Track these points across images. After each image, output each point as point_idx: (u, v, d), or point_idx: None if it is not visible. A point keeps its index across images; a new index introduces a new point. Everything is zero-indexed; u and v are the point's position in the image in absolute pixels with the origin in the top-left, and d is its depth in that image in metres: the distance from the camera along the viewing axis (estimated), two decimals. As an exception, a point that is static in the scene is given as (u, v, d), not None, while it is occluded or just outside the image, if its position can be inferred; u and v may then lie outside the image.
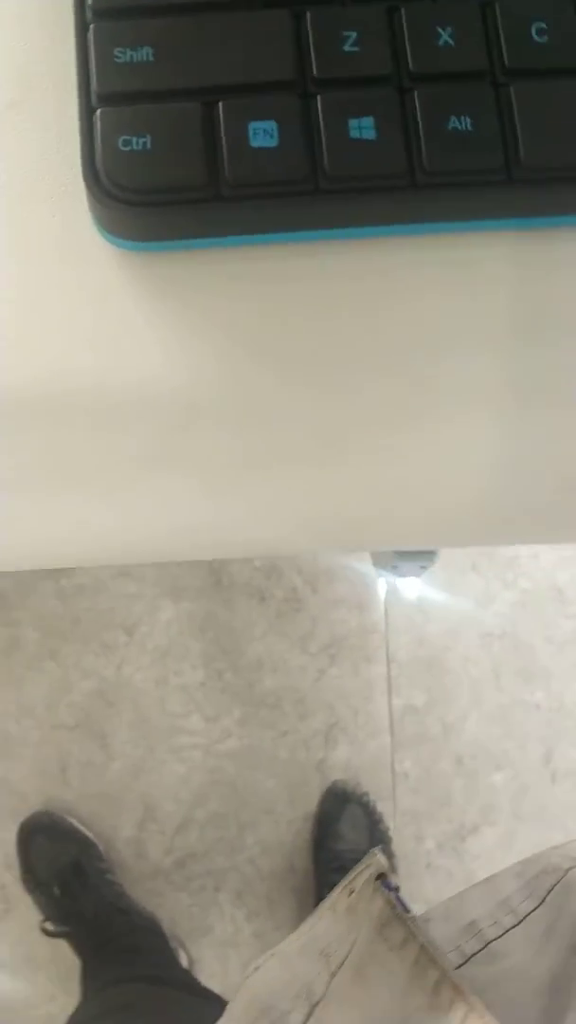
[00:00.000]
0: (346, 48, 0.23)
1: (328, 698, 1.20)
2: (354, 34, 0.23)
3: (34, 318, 0.24)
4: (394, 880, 0.33)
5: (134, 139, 0.23)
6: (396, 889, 0.33)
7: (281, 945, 0.37)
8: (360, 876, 0.35)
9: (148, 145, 0.23)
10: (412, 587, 1.22)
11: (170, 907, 1.15)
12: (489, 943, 0.36)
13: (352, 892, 0.35)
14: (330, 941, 0.34)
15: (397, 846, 1.15)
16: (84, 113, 0.23)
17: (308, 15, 0.24)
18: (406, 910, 0.32)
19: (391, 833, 1.15)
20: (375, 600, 1.22)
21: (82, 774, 1.17)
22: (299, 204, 0.23)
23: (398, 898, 0.32)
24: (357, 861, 1.08)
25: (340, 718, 1.19)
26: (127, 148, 0.23)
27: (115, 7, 0.23)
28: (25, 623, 1.19)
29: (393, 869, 0.36)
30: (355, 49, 0.23)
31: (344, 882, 0.36)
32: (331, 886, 1.08)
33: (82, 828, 1.15)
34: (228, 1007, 0.35)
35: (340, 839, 1.12)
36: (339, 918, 0.35)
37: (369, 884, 0.34)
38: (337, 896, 0.36)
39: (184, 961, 1.11)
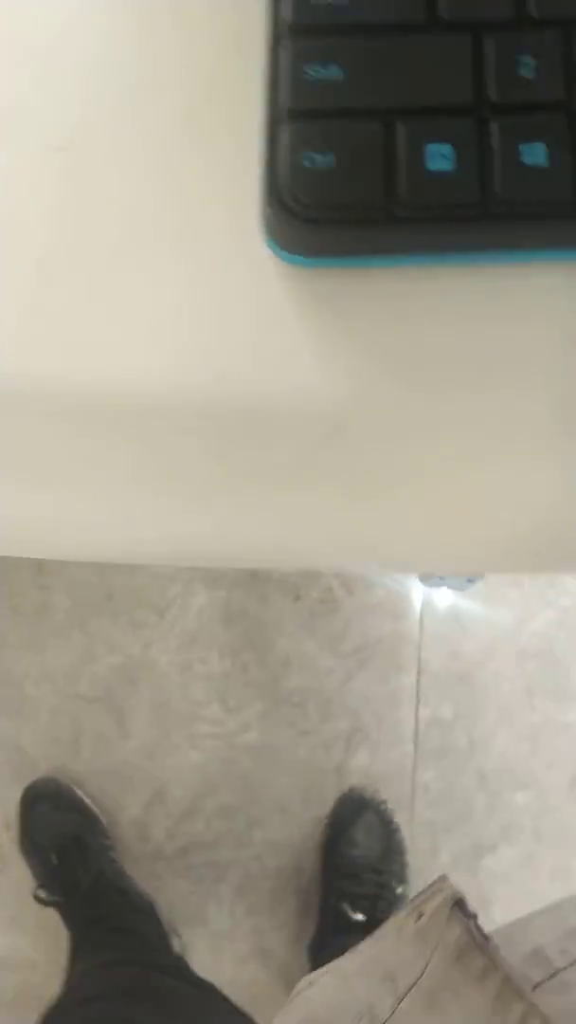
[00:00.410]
0: (522, 73, 0.24)
1: (353, 703, 1.17)
2: (530, 59, 0.24)
3: (198, 323, 0.25)
4: (471, 907, 0.31)
5: (318, 156, 0.23)
6: (474, 917, 0.31)
7: (337, 962, 0.35)
8: (431, 900, 0.33)
9: (331, 163, 0.23)
10: (450, 599, 1.20)
11: (168, 892, 1.13)
12: (558, 972, 0.34)
13: (421, 916, 0.33)
14: (396, 964, 0.32)
15: (412, 858, 1.13)
16: (269, 127, 0.24)
17: (488, 39, 0.24)
18: (486, 939, 0.30)
19: (407, 844, 1.13)
20: (411, 609, 1.20)
21: (95, 747, 1.16)
22: (470, 228, 0.23)
23: (477, 926, 0.30)
24: (370, 868, 1.07)
25: (364, 724, 1.17)
26: (310, 164, 0.23)
27: (310, 24, 0.24)
28: (58, 590, 1.18)
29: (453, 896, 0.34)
30: (531, 75, 0.24)
31: (412, 905, 0.34)
32: (339, 892, 1.07)
33: (88, 801, 1.14)
34: (278, 1019, 0.33)
35: (354, 845, 1.10)
36: (406, 941, 0.33)
37: (444, 910, 0.32)
38: (404, 918, 0.34)
39: (176, 947, 1.09)
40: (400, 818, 1.14)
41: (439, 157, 0.23)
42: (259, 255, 0.25)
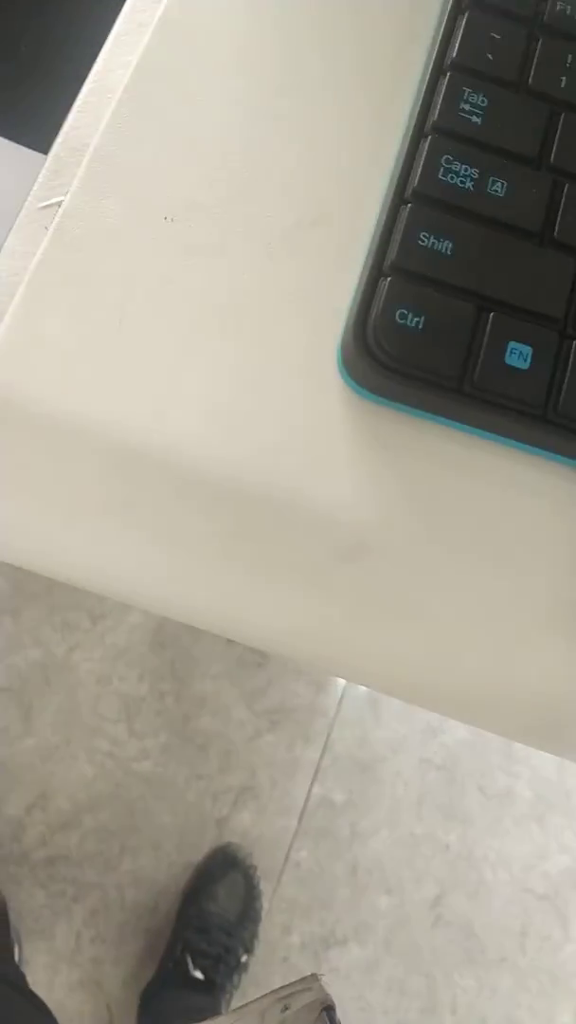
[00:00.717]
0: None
1: (254, 761, 1.18)
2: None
3: (257, 418, 0.26)
4: (338, 1018, 0.32)
5: (410, 315, 0.25)
6: (338, 1028, 0.32)
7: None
8: (299, 996, 0.34)
9: (420, 325, 0.25)
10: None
11: (23, 899, 1.11)
12: None
13: (287, 1008, 0.34)
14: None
15: (263, 929, 1.13)
16: (371, 273, 0.25)
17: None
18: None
19: (263, 914, 1.13)
20: (335, 685, 1.21)
21: (-8, 736, 1.15)
22: (527, 424, 0.25)
23: (341, 1041, 0.31)
24: (222, 928, 1.06)
25: (257, 784, 1.18)
26: (402, 321, 0.25)
27: (435, 197, 0.26)
28: (0, 572, 1.17)
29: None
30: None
31: (279, 994, 0.35)
32: (186, 943, 1.06)
33: (-32, 787, 1.12)
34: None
35: (213, 900, 1.09)
36: (266, 1032, 0.34)
37: (311, 1011, 0.33)
38: (269, 1005, 0.35)
39: (16, 957, 1.07)
40: (264, 887, 1.14)
41: (517, 355, 0.25)
42: (329, 375, 0.26)
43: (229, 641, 1.20)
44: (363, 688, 1.21)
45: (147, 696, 1.18)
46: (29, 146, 0.44)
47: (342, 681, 1.21)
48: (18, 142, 0.47)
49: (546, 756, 1.24)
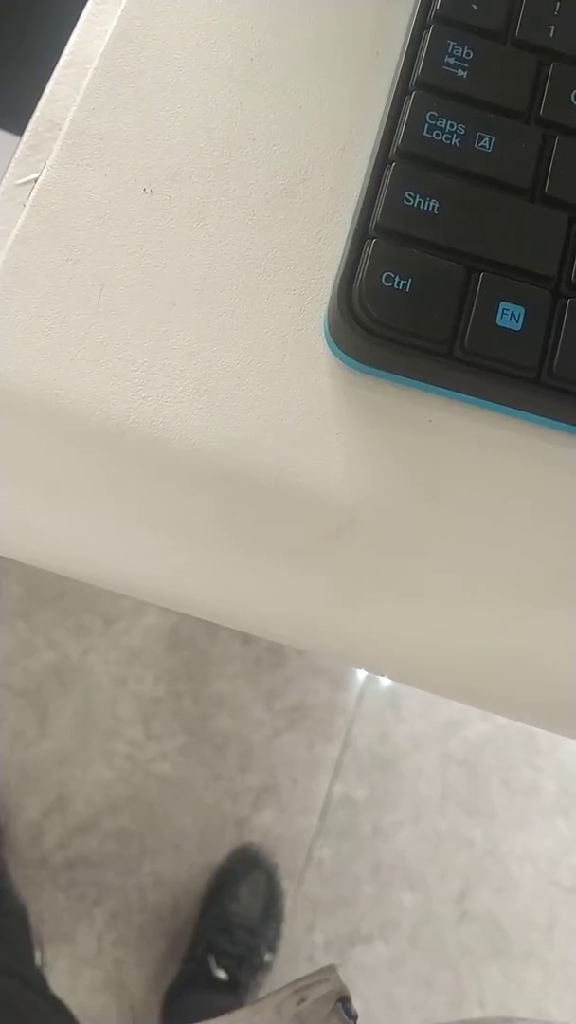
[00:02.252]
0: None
1: (273, 760, 1.17)
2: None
3: (243, 392, 0.25)
4: (354, 1008, 0.31)
5: (397, 278, 0.24)
6: (355, 1018, 0.31)
7: (213, 1023, 0.34)
8: (316, 987, 0.33)
9: (408, 288, 0.24)
10: (394, 684, 1.20)
11: (44, 902, 1.11)
12: None
13: (303, 1000, 0.33)
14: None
15: (286, 928, 1.12)
16: (356, 236, 0.24)
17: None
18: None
19: (286, 913, 1.12)
20: (353, 682, 1.20)
21: (10, 741, 1.15)
22: (520, 388, 0.24)
23: (357, 1031, 0.30)
24: (245, 928, 1.06)
25: (277, 784, 1.17)
26: (388, 284, 0.24)
27: (419, 155, 0.25)
28: (13, 575, 1.17)
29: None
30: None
31: (295, 986, 0.34)
32: (209, 943, 1.05)
33: (-12, 792, 1.12)
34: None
35: (236, 900, 1.09)
36: (283, 1022, 0.33)
37: (328, 1002, 0.32)
38: (286, 998, 0.34)
39: (37, 960, 1.07)
40: (287, 887, 1.13)
41: (509, 315, 0.24)
42: (316, 345, 0.26)
43: (245, 640, 1.19)
44: (383, 684, 1.20)
45: (163, 697, 1.17)
46: (15, 132, 0.43)
47: (361, 678, 1.20)
48: (3, 128, 0.46)
49: (570, 749, 1.22)
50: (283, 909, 1.12)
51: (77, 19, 0.30)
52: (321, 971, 0.36)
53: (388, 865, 1.16)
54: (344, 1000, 0.33)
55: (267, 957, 1.10)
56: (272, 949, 1.10)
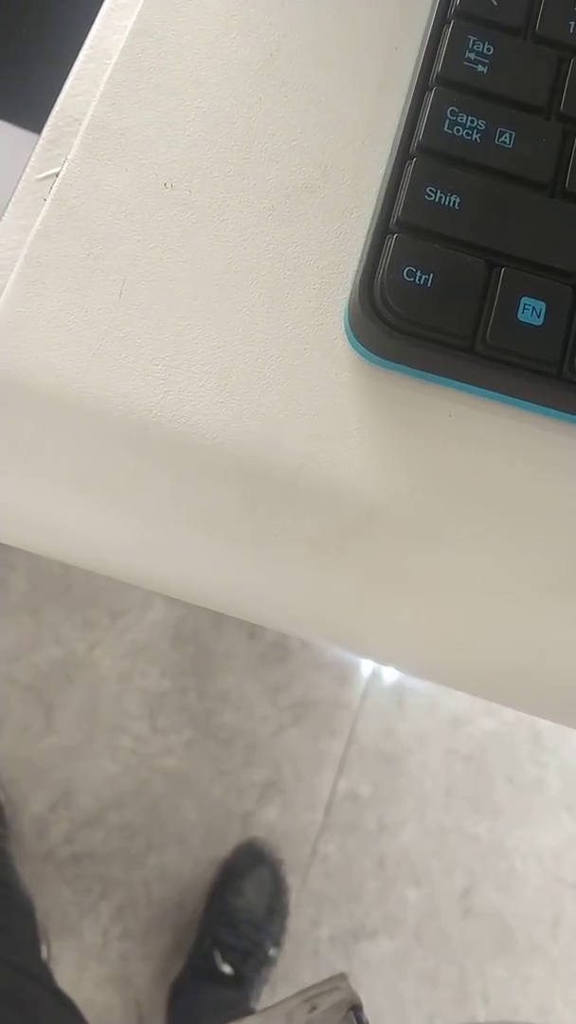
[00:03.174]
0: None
1: (278, 756, 1.17)
2: None
3: (264, 386, 0.25)
4: (365, 1017, 0.31)
5: (418, 272, 0.24)
6: (366, 1025, 0.31)
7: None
8: (327, 996, 0.33)
9: (429, 283, 0.24)
10: (398, 678, 1.20)
11: (50, 896, 1.11)
12: None
13: (314, 1008, 0.33)
14: (278, 1047, 0.32)
15: (292, 923, 1.12)
16: (378, 231, 0.24)
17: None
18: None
19: (291, 908, 1.12)
20: (358, 677, 1.20)
21: (16, 735, 1.15)
22: (542, 383, 0.24)
23: (368, 1036, 0.30)
24: (250, 923, 1.06)
25: (282, 779, 1.17)
26: (409, 279, 0.24)
27: (441, 151, 0.25)
28: (20, 569, 1.17)
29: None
30: None
31: (306, 994, 0.34)
32: (214, 938, 1.05)
33: (-5, 786, 1.12)
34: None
35: (241, 895, 1.09)
36: (294, 1029, 0.33)
37: (339, 1011, 0.32)
38: (296, 1006, 0.34)
39: (43, 954, 1.07)
40: (292, 882, 1.14)
41: (531, 311, 0.24)
42: (336, 340, 0.26)
43: (251, 635, 1.19)
44: (387, 680, 1.21)
45: (169, 692, 1.17)
46: (33, 130, 0.43)
47: (366, 673, 1.20)
48: (22, 126, 0.46)
49: (575, 745, 1.22)
50: (288, 904, 1.12)
51: (94, 17, 0.30)
52: (332, 979, 0.36)
53: (393, 861, 1.16)
54: (356, 1008, 0.33)
55: (272, 952, 1.10)
56: (277, 944, 1.11)
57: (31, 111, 0.45)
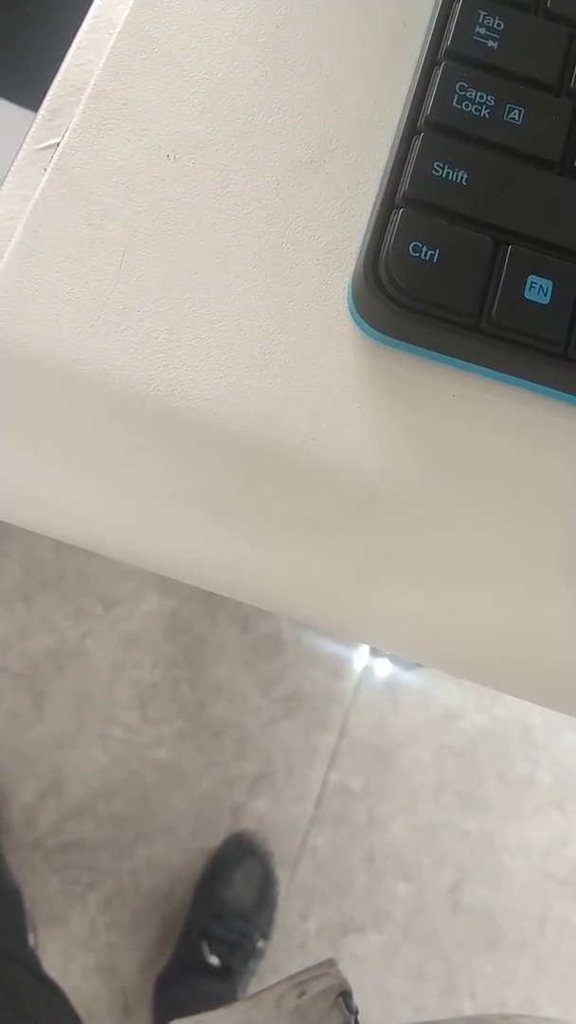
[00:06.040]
0: None
1: (269, 748, 1.17)
2: None
3: (265, 362, 0.25)
4: (355, 1003, 0.31)
5: (424, 248, 0.23)
6: (356, 1012, 0.31)
7: (208, 1016, 0.34)
8: (316, 981, 0.33)
9: (435, 258, 0.23)
10: (391, 672, 1.20)
11: (37, 885, 1.11)
12: None
13: (304, 994, 0.33)
14: (267, 1034, 0.32)
15: (280, 916, 1.12)
16: (384, 206, 0.24)
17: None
18: (361, 1036, 0.30)
19: (279, 900, 1.12)
20: (351, 671, 1.20)
21: (6, 723, 1.14)
22: (547, 362, 0.24)
23: (357, 1022, 0.30)
24: (238, 915, 1.06)
25: (273, 772, 1.17)
26: (415, 254, 0.23)
27: (449, 126, 0.24)
28: (13, 558, 1.17)
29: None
30: None
31: (295, 980, 0.34)
32: (202, 929, 1.05)
33: (-17, 774, 1.12)
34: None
35: (230, 887, 1.09)
36: (283, 1015, 0.33)
37: (328, 996, 0.31)
38: (285, 991, 0.33)
39: (30, 942, 1.07)
40: (281, 874, 1.13)
41: (537, 289, 0.24)
42: (339, 317, 0.25)
43: (244, 627, 1.19)
44: (380, 674, 1.20)
45: (161, 683, 1.17)
46: (30, 107, 0.43)
47: (359, 667, 1.20)
48: (23, 105, 0.46)
49: (566, 742, 1.22)
50: (276, 896, 1.12)
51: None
52: (321, 965, 0.36)
53: (382, 855, 1.16)
54: (345, 994, 0.32)
55: (260, 944, 1.10)
56: (265, 936, 1.10)
57: (27, 88, 0.44)
